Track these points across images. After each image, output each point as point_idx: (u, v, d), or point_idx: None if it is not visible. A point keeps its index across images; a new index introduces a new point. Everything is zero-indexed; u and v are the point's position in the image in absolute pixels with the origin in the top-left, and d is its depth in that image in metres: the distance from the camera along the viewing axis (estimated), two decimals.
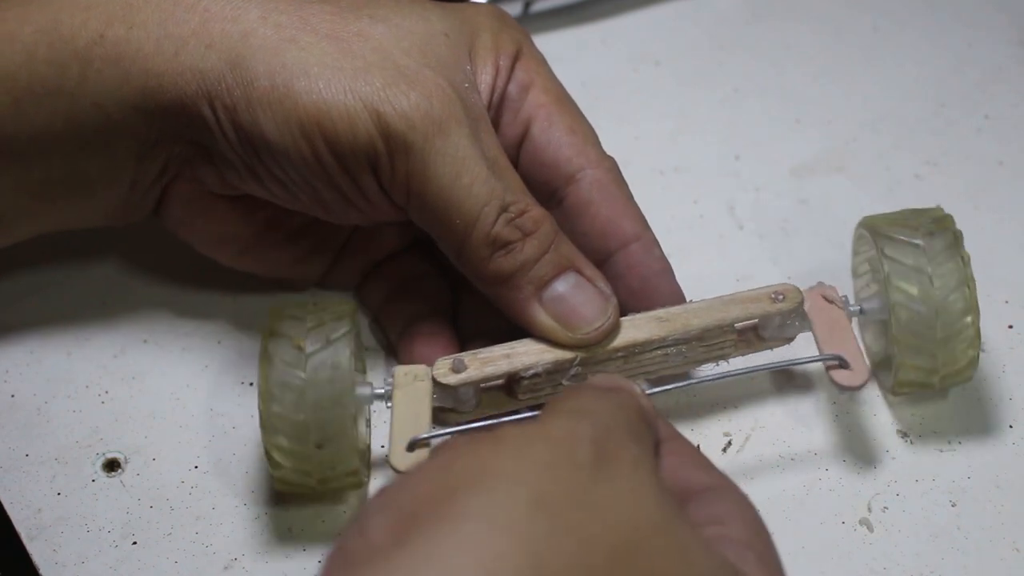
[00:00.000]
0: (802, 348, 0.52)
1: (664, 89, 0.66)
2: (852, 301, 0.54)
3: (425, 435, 0.47)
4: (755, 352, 0.52)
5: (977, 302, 0.50)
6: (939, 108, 0.65)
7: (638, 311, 0.51)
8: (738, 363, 0.52)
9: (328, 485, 0.49)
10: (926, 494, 0.52)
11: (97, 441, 0.53)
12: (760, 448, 0.53)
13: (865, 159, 0.63)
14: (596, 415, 0.39)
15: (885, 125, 0.65)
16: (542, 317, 0.49)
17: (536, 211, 0.49)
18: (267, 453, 0.47)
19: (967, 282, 0.50)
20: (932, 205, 0.53)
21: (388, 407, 0.49)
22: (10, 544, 0.50)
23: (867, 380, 0.49)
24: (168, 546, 0.50)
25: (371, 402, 0.50)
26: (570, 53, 0.67)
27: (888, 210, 0.53)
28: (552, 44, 0.63)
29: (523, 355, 0.49)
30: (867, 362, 0.50)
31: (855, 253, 0.55)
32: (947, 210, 0.52)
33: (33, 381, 0.55)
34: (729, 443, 0.53)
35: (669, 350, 0.50)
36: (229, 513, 0.51)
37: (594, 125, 0.53)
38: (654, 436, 0.42)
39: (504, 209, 0.48)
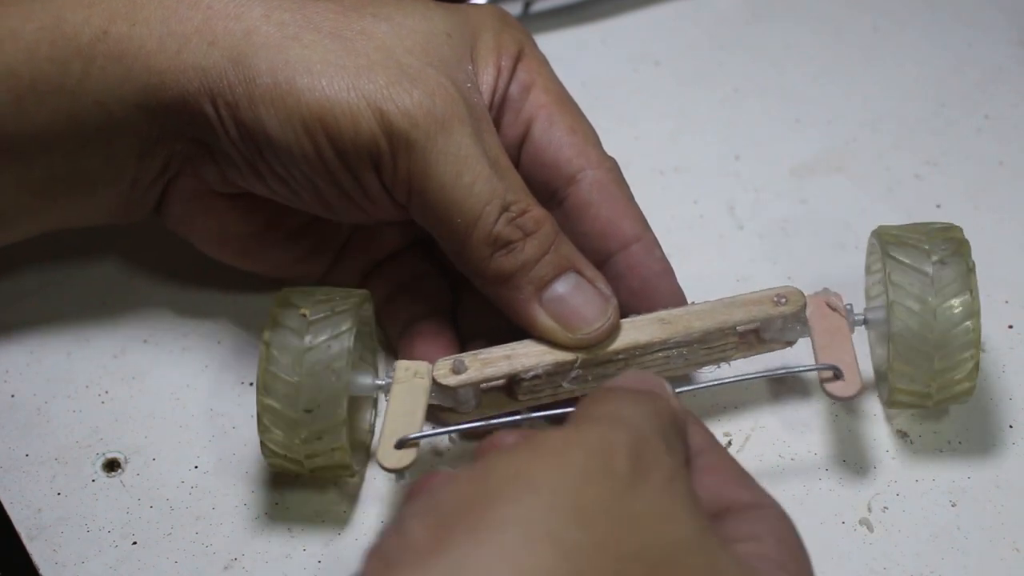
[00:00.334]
0: (803, 350, 0.52)
1: (664, 89, 0.66)
2: (862, 300, 0.54)
3: (415, 435, 0.47)
4: (756, 354, 0.52)
5: (980, 336, 0.49)
6: (939, 108, 0.65)
7: (639, 312, 0.51)
8: (731, 370, 0.52)
9: (316, 462, 0.49)
10: (926, 494, 0.52)
11: (97, 441, 0.53)
12: (760, 448, 0.53)
13: (865, 159, 0.63)
14: (632, 423, 0.39)
15: (885, 125, 0.65)
16: (542, 318, 0.49)
17: (537, 211, 0.49)
18: (258, 417, 0.48)
19: (971, 289, 0.49)
20: (932, 205, 0.53)
21: (387, 400, 0.49)
22: (10, 544, 0.50)
23: (859, 392, 0.49)
24: (168, 546, 0.50)
25: (373, 392, 0.50)
26: (570, 53, 0.67)
27: (888, 210, 0.53)
28: (552, 44, 0.63)
29: (524, 356, 0.49)
30: (860, 375, 0.49)
31: (870, 252, 0.54)
32: (947, 210, 0.52)
33: (33, 381, 0.55)
34: (729, 443, 0.53)
35: (671, 352, 0.50)
36: (229, 513, 0.51)
37: (594, 125, 0.53)
38: (686, 444, 0.42)
39: (505, 208, 0.48)
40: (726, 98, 0.66)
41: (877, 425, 0.53)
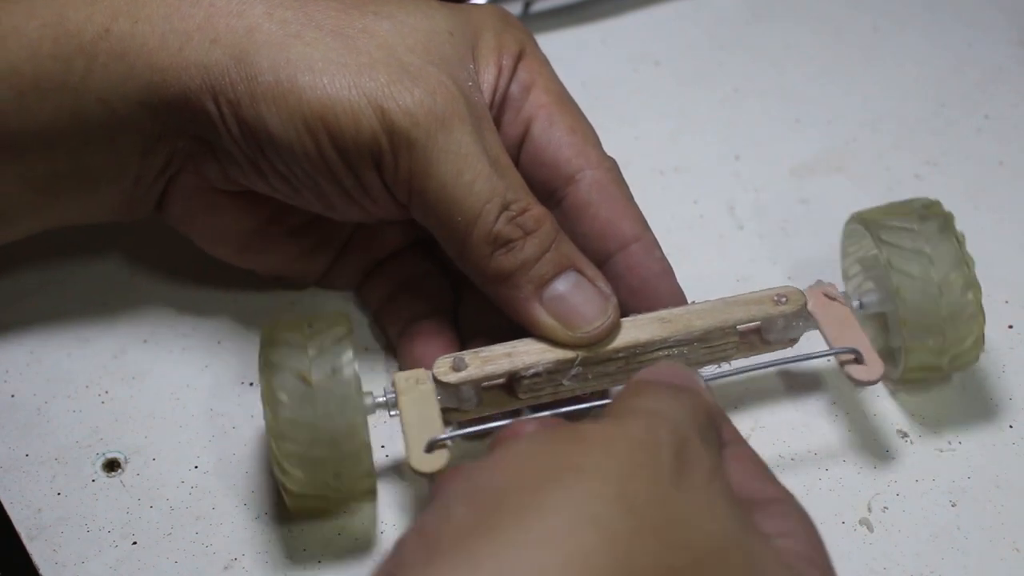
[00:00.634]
0: (804, 349, 0.52)
1: (664, 89, 0.67)
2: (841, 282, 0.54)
3: (445, 436, 0.47)
4: (757, 354, 0.52)
5: (976, 279, 0.50)
6: (939, 108, 0.65)
7: (639, 312, 0.51)
8: (751, 359, 0.52)
9: (345, 505, 0.49)
10: (926, 494, 0.52)
11: (97, 441, 0.53)
12: (760, 448, 0.52)
13: (865, 159, 0.63)
14: (673, 419, 0.40)
15: (885, 125, 0.65)
16: (542, 316, 0.49)
17: (537, 210, 0.49)
18: (276, 463, 0.47)
19: (965, 260, 0.50)
20: None
21: (392, 415, 0.49)
22: (10, 544, 0.50)
23: (883, 374, 0.50)
24: (168, 546, 0.50)
25: (372, 412, 0.49)
26: (570, 53, 0.67)
27: None
28: (552, 44, 0.62)
29: (524, 354, 0.49)
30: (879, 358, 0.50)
31: (844, 255, 0.55)
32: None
33: (33, 381, 0.55)
34: None
35: (671, 351, 0.50)
36: (229, 513, 0.51)
37: (594, 125, 0.53)
38: (721, 439, 0.43)
39: (505, 207, 0.48)
40: (726, 98, 0.66)
41: (877, 425, 0.53)
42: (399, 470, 0.52)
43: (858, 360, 0.50)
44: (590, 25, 0.69)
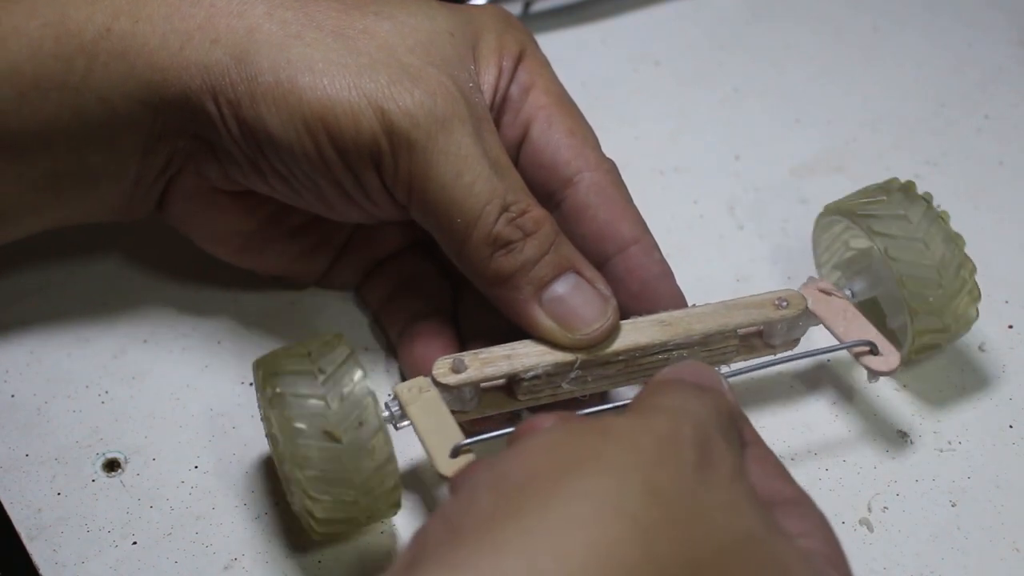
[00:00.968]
0: (803, 343, 0.52)
1: (664, 89, 0.67)
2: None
3: (470, 440, 0.47)
4: (757, 357, 0.52)
5: (965, 254, 0.51)
6: (939, 108, 0.65)
7: (638, 314, 0.51)
8: (764, 358, 0.52)
9: (371, 509, 0.48)
10: (926, 494, 0.52)
11: (97, 441, 0.53)
12: None
13: (865, 159, 0.63)
14: (697, 418, 0.40)
15: (885, 125, 0.65)
16: (541, 318, 0.49)
17: (537, 211, 0.49)
18: (301, 492, 0.46)
19: (952, 237, 0.51)
20: None
21: (398, 429, 0.48)
22: (10, 544, 0.50)
23: (900, 363, 0.50)
24: (168, 546, 0.50)
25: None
26: (570, 53, 0.67)
27: None
28: (552, 44, 0.62)
29: (524, 356, 0.49)
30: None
31: (819, 226, 0.55)
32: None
33: (33, 381, 0.55)
34: None
35: (671, 354, 0.50)
36: (229, 513, 0.51)
37: (594, 125, 0.53)
38: (742, 439, 0.43)
39: (505, 209, 0.48)
40: (726, 98, 0.66)
41: (877, 425, 0.53)
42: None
43: (873, 351, 0.50)
44: (590, 25, 0.69)
